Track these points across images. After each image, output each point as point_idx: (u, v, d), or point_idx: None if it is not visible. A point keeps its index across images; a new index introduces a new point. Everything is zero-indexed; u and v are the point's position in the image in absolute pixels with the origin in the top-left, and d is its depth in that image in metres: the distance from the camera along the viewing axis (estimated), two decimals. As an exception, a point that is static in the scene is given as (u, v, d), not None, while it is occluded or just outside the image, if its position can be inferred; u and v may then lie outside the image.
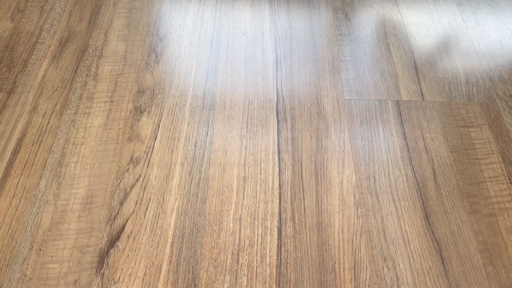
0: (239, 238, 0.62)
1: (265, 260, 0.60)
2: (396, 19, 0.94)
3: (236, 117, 0.76)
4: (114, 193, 0.65)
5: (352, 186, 0.67)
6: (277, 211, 0.65)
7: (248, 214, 0.64)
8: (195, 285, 0.58)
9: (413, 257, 0.60)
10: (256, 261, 0.60)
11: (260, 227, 0.63)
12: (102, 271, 0.59)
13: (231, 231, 0.63)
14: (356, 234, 0.62)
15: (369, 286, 0.58)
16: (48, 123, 0.73)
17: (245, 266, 0.59)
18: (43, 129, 0.72)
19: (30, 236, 0.61)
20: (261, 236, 0.62)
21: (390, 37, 0.90)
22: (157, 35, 0.88)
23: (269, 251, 0.61)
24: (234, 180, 0.68)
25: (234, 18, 0.92)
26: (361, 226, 0.63)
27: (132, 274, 0.58)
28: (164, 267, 0.59)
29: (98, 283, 0.58)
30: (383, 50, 0.88)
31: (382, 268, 0.59)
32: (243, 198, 0.66)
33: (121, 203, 0.65)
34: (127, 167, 0.68)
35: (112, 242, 0.61)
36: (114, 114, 0.75)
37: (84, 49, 0.84)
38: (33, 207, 0.63)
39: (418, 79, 0.83)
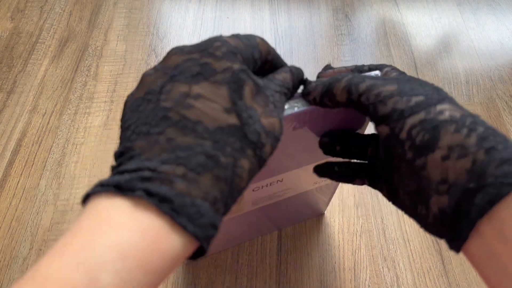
0: (239, 238, 0.62)
1: (265, 260, 0.60)
2: (396, 19, 0.94)
3: (236, 117, 0.76)
4: (114, 193, 0.65)
5: (352, 186, 0.67)
6: (277, 211, 0.65)
7: (248, 214, 0.64)
8: (195, 285, 0.57)
9: (413, 257, 0.60)
10: (256, 261, 0.60)
11: (260, 227, 0.63)
12: (102, 271, 0.58)
13: (231, 231, 0.63)
14: (356, 234, 0.62)
15: (369, 286, 0.58)
16: (48, 123, 0.73)
17: (245, 266, 0.59)
18: (43, 129, 0.72)
19: (30, 236, 0.61)
20: (261, 236, 0.62)
21: (390, 37, 0.90)
22: (157, 35, 0.88)
23: (269, 251, 0.61)
24: (234, 180, 0.68)
25: (234, 18, 0.92)
26: (361, 226, 0.63)
27: (132, 274, 0.58)
28: (164, 267, 0.59)
29: (98, 283, 0.57)
30: (383, 50, 0.88)
31: (382, 268, 0.59)
32: (243, 198, 0.66)
33: (121, 203, 0.64)
34: (127, 167, 0.68)
35: (112, 242, 0.61)
36: (114, 114, 0.75)
37: (84, 49, 0.84)
38: (33, 207, 0.63)
39: (418, 79, 0.83)
